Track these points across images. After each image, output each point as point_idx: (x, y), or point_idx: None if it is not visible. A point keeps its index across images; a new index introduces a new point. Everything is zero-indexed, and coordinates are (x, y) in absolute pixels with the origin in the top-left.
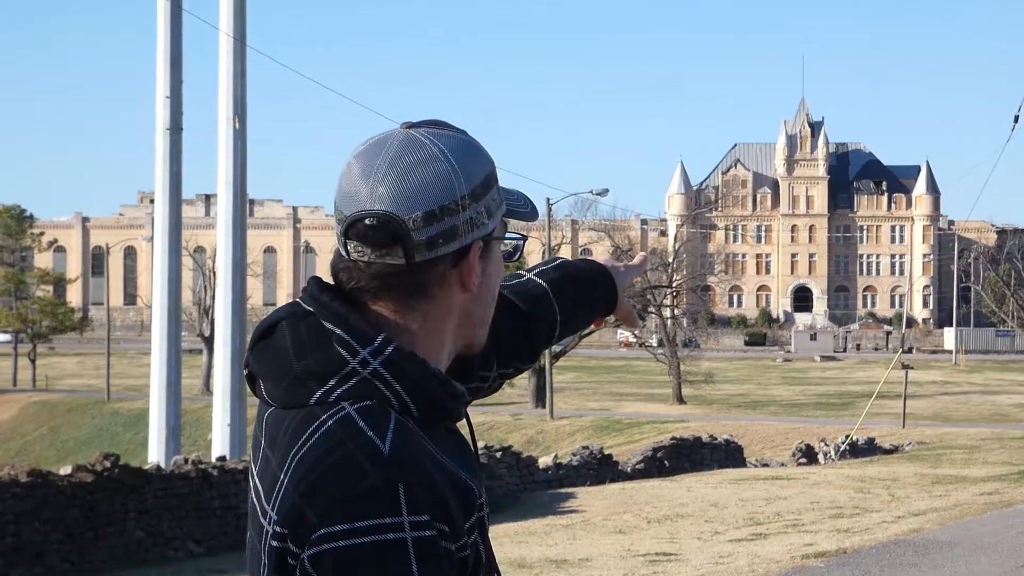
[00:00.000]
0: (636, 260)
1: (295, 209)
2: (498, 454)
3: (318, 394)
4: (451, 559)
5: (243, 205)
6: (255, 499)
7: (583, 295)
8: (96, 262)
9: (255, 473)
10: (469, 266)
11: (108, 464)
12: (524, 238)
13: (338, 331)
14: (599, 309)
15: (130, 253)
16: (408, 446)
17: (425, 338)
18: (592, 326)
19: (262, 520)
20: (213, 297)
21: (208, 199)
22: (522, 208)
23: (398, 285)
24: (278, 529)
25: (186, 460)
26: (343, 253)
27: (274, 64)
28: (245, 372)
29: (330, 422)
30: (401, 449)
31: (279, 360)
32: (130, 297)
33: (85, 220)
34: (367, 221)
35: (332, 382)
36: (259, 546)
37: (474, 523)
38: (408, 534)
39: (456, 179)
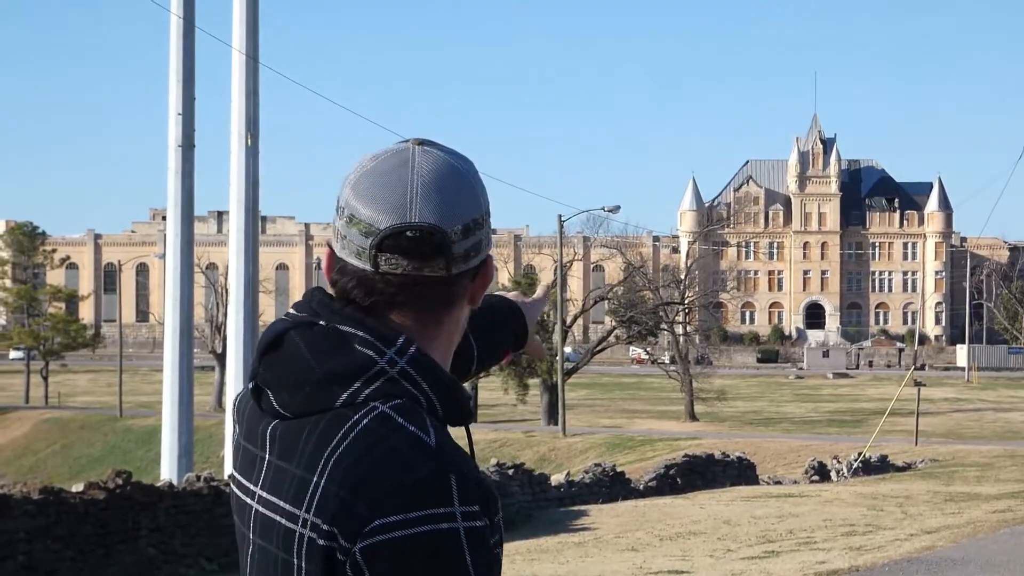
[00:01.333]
0: (539, 293)
1: (307, 226)
2: (510, 471)
3: (344, 396)
4: (493, 552)
5: (255, 222)
6: (266, 512)
7: (498, 330)
8: (108, 279)
9: (260, 488)
10: (484, 279)
11: (120, 481)
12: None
13: (360, 334)
14: (510, 343)
15: (142, 270)
16: (450, 440)
17: (439, 347)
18: (503, 360)
19: (292, 526)
20: (225, 314)
21: (220, 216)
22: None
23: (430, 297)
24: (325, 528)
25: (198, 477)
26: (368, 266)
27: (286, 81)
28: (251, 385)
29: (365, 420)
30: (446, 442)
31: (297, 368)
32: (142, 314)
33: (97, 237)
34: (409, 234)
35: (358, 384)
36: (280, 557)
37: (497, 523)
38: (460, 524)
39: (480, 194)
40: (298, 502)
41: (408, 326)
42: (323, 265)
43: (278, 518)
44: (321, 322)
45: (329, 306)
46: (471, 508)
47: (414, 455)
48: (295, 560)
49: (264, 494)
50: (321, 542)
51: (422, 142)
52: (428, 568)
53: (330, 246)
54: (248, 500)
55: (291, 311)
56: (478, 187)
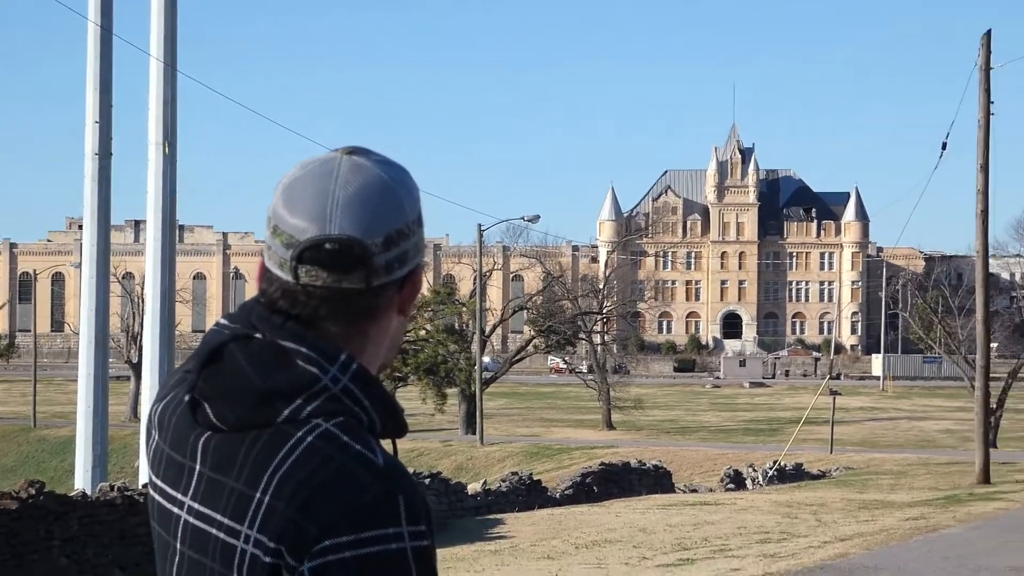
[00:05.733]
0: None
1: (225, 235)
2: (427, 480)
3: (286, 412)
4: (436, 567)
5: (172, 231)
6: (199, 524)
7: None
8: (23, 288)
9: (190, 499)
10: (413, 290)
11: (33, 491)
12: (426, 263)
13: (302, 349)
14: None
15: (58, 279)
16: (393, 458)
17: (368, 360)
18: None
19: (233, 541)
20: (141, 324)
21: (137, 225)
22: None
23: (351, 309)
24: (271, 545)
25: (112, 487)
26: (289, 278)
27: (205, 90)
28: (187, 398)
29: (309, 438)
30: (391, 461)
31: (238, 382)
32: (57, 323)
33: (13, 246)
34: (328, 246)
35: (300, 400)
36: (216, 571)
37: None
38: (408, 544)
39: (407, 204)
40: (239, 517)
41: (336, 340)
42: (255, 274)
43: (215, 531)
44: (259, 335)
45: (269, 320)
46: (418, 527)
47: (363, 475)
48: (234, 575)
49: (196, 505)
50: (266, 559)
51: (352, 151)
52: None
53: (263, 255)
54: (173, 508)
55: (224, 321)
56: (405, 197)
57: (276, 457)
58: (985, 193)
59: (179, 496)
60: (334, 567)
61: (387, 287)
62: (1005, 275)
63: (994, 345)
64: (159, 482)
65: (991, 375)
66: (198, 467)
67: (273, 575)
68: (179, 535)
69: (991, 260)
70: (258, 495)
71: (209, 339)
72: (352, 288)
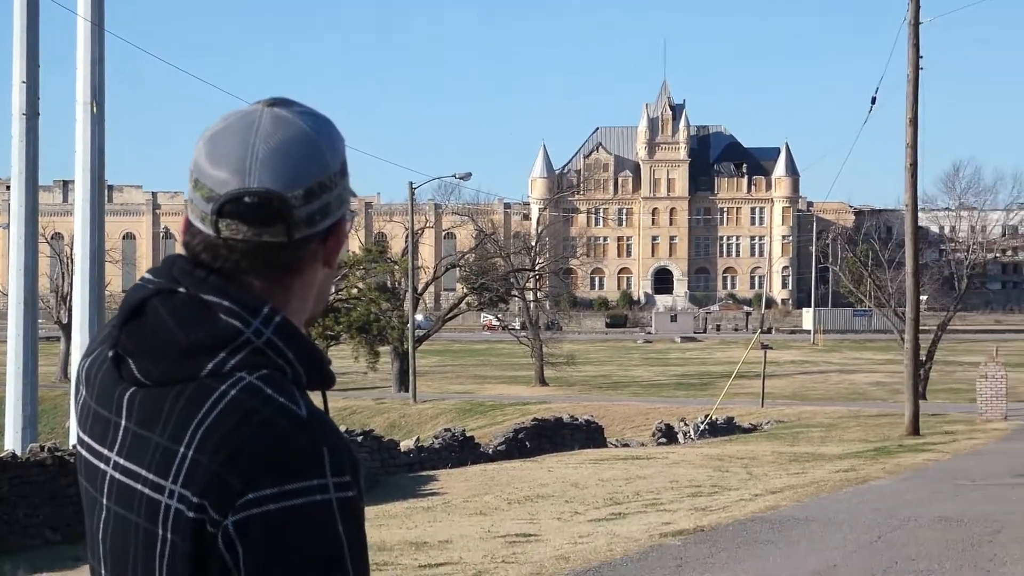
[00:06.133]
0: None
1: (154, 195)
2: (359, 438)
3: (210, 366)
4: (362, 519)
5: (101, 191)
6: (125, 480)
7: None
8: None
9: (116, 455)
10: (337, 242)
11: None
12: (355, 215)
13: (225, 303)
14: None
15: None
16: (317, 410)
17: (292, 313)
18: None
19: (157, 496)
20: (71, 284)
21: (66, 185)
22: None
23: (272, 262)
24: (195, 500)
25: (42, 448)
26: (211, 232)
27: (133, 49)
28: (111, 353)
29: (233, 391)
30: (316, 413)
31: (161, 336)
32: None
33: None
34: (247, 199)
35: (223, 354)
36: (141, 526)
37: (361, 487)
38: (333, 495)
39: (329, 156)
40: (163, 472)
41: (256, 291)
42: (181, 228)
43: (140, 487)
44: (182, 290)
45: (192, 274)
46: (343, 478)
47: (286, 427)
48: (159, 530)
49: (121, 461)
50: (190, 514)
51: (274, 102)
52: (302, 539)
53: (187, 208)
54: (100, 464)
55: (148, 276)
56: (327, 149)
57: (200, 411)
58: (914, 147)
59: (105, 452)
60: (258, 520)
61: (310, 240)
62: (934, 228)
63: (923, 298)
64: (86, 438)
65: (920, 327)
66: (123, 423)
67: (197, 530)
68: (105, 491)
69: (920, 213)
70: (182, 450)
71: (132, 294)
72: (273, 241)
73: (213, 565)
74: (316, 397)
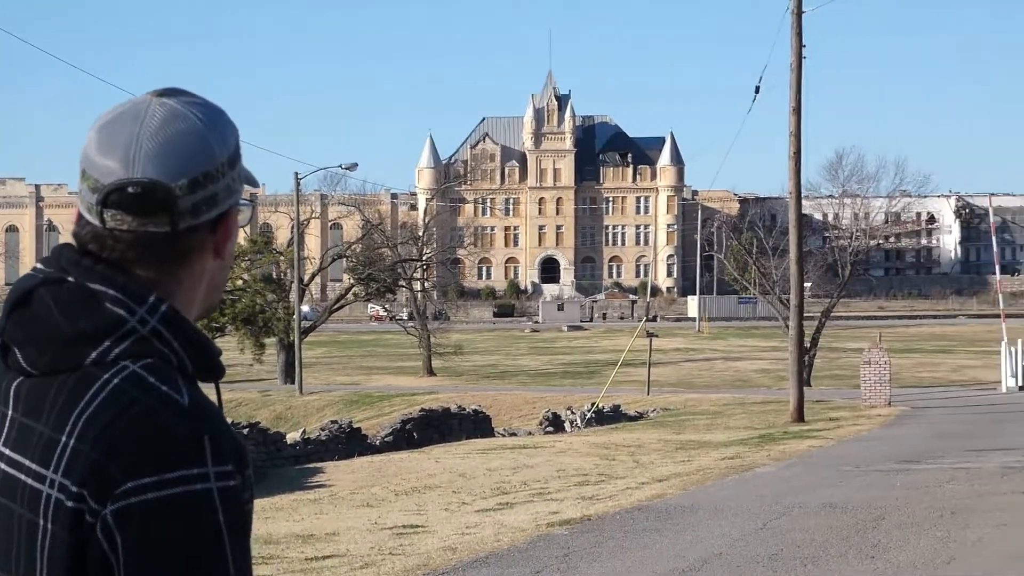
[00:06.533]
0: None
1: (37, 187)
2: (245, 431)
3: (94, 355)
4: (245, 509)
5: None
6: (10, 471)
7: None
8: None
9: (3, 446)
10: (226, 233)
11: None
12: (253, 204)
13: (111, 292)
14: None
15: None
16: (203, 399)
17: (182, 304)
18: None
19: (39, 486)
20: None
21: None
22: (250, 173)
23: (158, 252)
24: (74, 490)
25: None
26: (96, 222)
27: (14, 40)
28: None
29: (116, 380)
30: (199, 401)
31: (45, 325)
32: None
33: None
34: (131, 189)
35: (108, 342)
36: (24, 517)
37: (248, 478)
38: (213, 484)
39: (216, 146)
40: (45, 462)
41: (144, 281)
42: (72, 219)
43: (23, 477)
44: (70, 279)
45: (79, 263)
46: (224, 468)
47: (167, 416)
48: (41, 521)
49: (7, 451)
50: (69, 504)
51: (163, 92)
52: (181, 529)
53: (78, 199)
54: None
55: (39, 266)
56: (214, 139)
57: (82, 400)
58: (797, 135)
59: None
60: (136, 509)
61: (197, 230)
62: (818, 215)
63: (808, 285)
64: None
65: (805, 314)
66: (10, 412)
67: (77, 520)
68: None
69: (804, 201)
70: (64, 439)
71: (20, 283)
72: (158, 232)
73: (93, 555)
74: (210, 390)
